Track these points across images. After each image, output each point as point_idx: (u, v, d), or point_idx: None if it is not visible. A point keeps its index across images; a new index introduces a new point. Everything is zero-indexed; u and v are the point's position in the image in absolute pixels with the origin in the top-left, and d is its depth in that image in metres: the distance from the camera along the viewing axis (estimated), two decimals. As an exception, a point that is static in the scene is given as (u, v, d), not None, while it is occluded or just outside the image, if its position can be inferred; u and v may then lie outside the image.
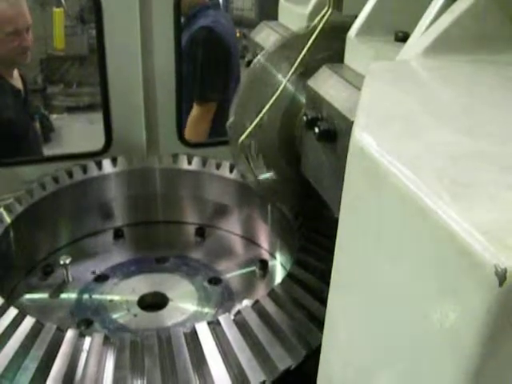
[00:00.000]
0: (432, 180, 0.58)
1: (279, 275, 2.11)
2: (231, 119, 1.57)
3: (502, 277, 0.46)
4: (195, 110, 3.58)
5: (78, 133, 6.91)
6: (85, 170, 2.25)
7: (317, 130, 1.22)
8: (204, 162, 2.33)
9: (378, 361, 0.70)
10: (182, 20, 3.34)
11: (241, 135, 1.52)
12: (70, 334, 1.33)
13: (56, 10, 6.65)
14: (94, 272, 2.10)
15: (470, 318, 0.50)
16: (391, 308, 0.65)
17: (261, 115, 1.46)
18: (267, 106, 1.45)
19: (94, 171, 2.26)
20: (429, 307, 0.56)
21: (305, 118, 1.29)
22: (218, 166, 2.30)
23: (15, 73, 2.97)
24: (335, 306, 0.84)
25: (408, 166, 0.61)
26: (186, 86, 3.27)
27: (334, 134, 1.19)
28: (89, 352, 1.29)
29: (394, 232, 0.63)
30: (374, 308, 0.71)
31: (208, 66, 3.49)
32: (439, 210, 0.54)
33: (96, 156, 2.43)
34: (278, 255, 2.18)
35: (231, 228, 2.37)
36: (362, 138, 0.69)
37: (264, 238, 2.26)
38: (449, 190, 0.56)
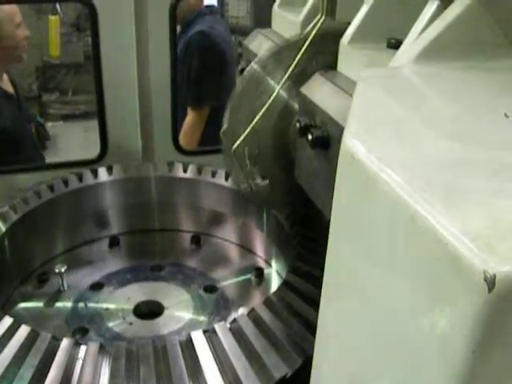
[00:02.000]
0: (422, 186, 0.58)
1: (275, 283, 2.10)
2: (224, 127, 1.58)
3: (491, 283, 0.46)
4: (189, 116, 3.57)
5: (73, 141, 6.90)
6: (80, 178, 2.24)
7: (310, 136, 1.22)
8: (199, 170, 2.32)
9: (370, 369, 0.70)
10: (178, 27, 3.35)
11: (234, 143, 1.52)
12: (65, 342, 1.33)
13: (52, 17, 6.64)
14: (89, 279, 2.09)
15: (460, 324, 0.50)
16: (382, 315, 0.65)
17: (254, 122, 1.47)
18: (260, 113, 1.45)
19: (89, 179, 2.25)
20: (419, 314, 0.56)
21: (298, 124, 1.30)
22: (214, 174, 2.30)
23: (5, 77, 2.97)
24: (326, 314, 0.84)
25: (398, 172, 0.61)
26: (181, 92, 3.27)
27: (327, 140, 1.20)
28: (84, 361, 1.29)
29: (384, 238, 0.63)
30: (365, 316, 0.70)
31: (202, 71, 3.48)
32: (429, 216, 0.54)
33: (91, 164, 2.43)
34: (273, 263, 2.17)
35: (227, 236, 2.37)
36: (353, 144, 0.69)
37: (260, 245, 2.26)
38: (439, 196, 0.56)
